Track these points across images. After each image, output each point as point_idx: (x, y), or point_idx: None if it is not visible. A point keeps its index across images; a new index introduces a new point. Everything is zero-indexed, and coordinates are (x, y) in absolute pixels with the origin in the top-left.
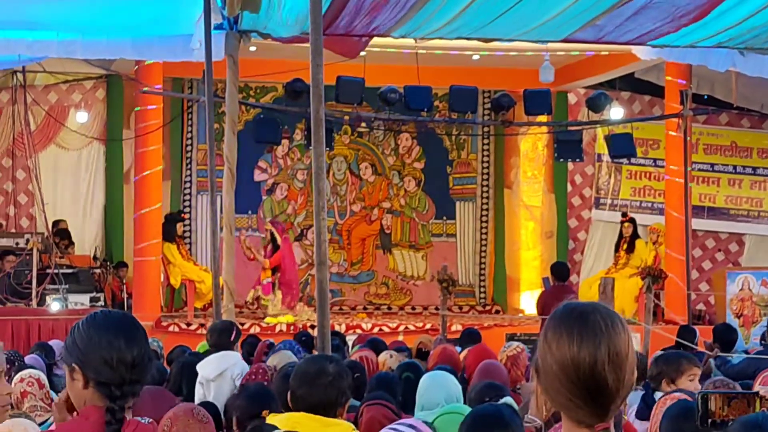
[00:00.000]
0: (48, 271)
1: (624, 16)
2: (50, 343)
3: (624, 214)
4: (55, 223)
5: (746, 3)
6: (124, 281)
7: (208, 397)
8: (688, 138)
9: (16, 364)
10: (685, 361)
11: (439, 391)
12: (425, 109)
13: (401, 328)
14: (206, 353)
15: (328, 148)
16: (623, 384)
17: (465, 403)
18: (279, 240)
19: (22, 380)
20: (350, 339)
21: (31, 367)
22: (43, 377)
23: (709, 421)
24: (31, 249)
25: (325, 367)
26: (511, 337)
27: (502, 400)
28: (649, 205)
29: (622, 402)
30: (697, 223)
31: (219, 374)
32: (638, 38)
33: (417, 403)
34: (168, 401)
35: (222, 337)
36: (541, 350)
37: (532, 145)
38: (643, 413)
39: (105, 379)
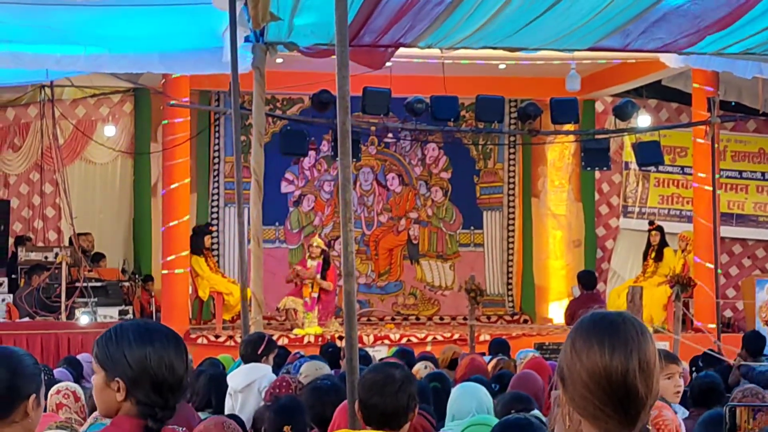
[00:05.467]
0: (77, 284)
1: (648, 25)
2: (78, 357)
3: (651, 223)
4: (79, 237)
5: None
6: (153, 294)
7: (236, 408)
8: (716, 145)
9: (46, 378)
10: (662, 359)
11: (470, 401)
12: (452, 119)
13: (429, 338)
14: (237, 365)
15: (354, 159)
16: (652, 393)
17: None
18: (330, 257)
19: (58, 392)
20: (379, 349)
21: (59, 381)
22: (79, 390)
23: None
24: (60, 263)
25: (392, 373)
26: (539, 347)
27: (530, 413)
28: (677, 212)
29: (649, 411)
30: (725, 231)
31: (246, 386)
32: (663, 47)
33: (448, 412)
34: (188, 414)
35: (248, 349)
36: (568, 359)
37: (559, 153)
38: None
39: (151, 401)
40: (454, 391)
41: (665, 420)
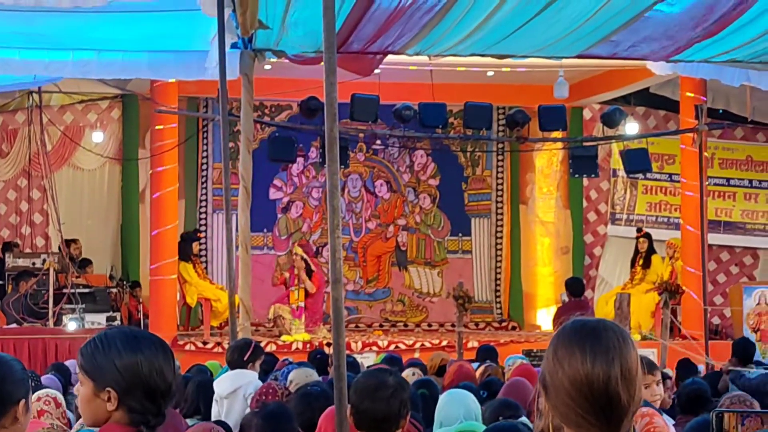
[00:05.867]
0: (64, 290)
1: (636, 33)
2: (66, 363)
3: (639, 230)
4: (67, 243)
5: (757, 22)
6: (141, 300)
7: (222, 414)
8: (704, 152)
9: (33, 384)
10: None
11: (458, 408)
12: (440, 126)
13: (417, 345)
14: (224, 371)
15: (343, 166)
16: (634, 400)
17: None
18: (311, 263)
19: (39, 399)
20: (367, 356)
21: (47, 387)
22: (60, 397)
23: None
24: (48, 269)
25: (384, 379)
26: (528, 353)
27: (518, 420)
28: (665, 220)
29: (632, 418)
30: (713, 238)
31: (232, 392)
32: (651, 55)
33: (435, 419)
34: (176, 421)
35: (234, 355)
36: (550, 367)
37: (548, 161)
38: None
39: (144, 409)
40: (441, 398)
41: (656, 427)
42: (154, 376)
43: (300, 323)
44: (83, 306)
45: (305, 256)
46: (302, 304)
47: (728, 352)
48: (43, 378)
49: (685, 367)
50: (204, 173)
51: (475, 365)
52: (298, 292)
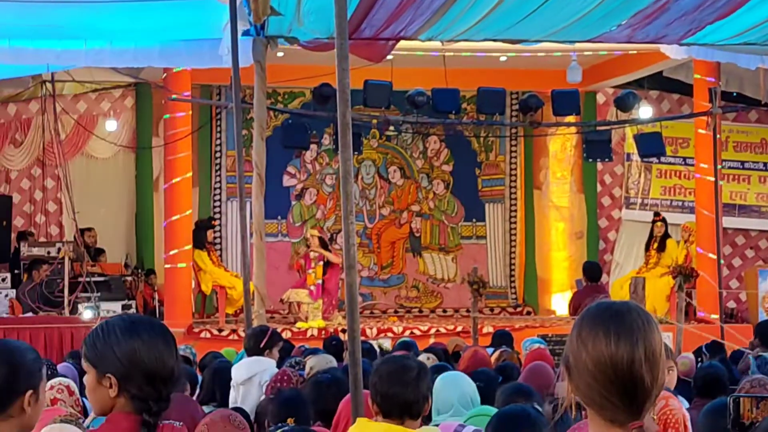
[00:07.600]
0: (80, 279)
1: (648, 16)
2: None
3: (657, 214)
4: (81, 232)
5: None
6: (156, 288)
7: (238, 400)
8: (718, 136)
9: (49, 372)
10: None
11: (452, 392)
12: (453, 112)
13: (432, 330)
14: (239, 357)
15: (356, 152)
16: (657, 382)
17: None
18: (327, 242)
19: (51, 388)
20: (382, 342)
21: (63, 375)
22: (73, 385)
23: (741, 423)
24: (63, 258)
25: (407, 363)
26: (543, 338)
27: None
28: (680, 203)
29: (655, 400)
30: (728, 221)
31: (248, 378)
32: (663, 38)
33: (432, 407)
34: (192, 408)
35: (250, 342)
36: (574, 348)
37: (561, 145)
38: None
39: (144, 395)
40: (435, 383)
41: (672, 409)
42: (153, 361)
43: (318, 307)
44: (98, 294)
45: (321, 234)
46: (320, 282)
47: (744, 335)
48: (59, 366)
49: (714, 349)
50: (218, 161)
51: (490, 350)
52: (315, 273)
